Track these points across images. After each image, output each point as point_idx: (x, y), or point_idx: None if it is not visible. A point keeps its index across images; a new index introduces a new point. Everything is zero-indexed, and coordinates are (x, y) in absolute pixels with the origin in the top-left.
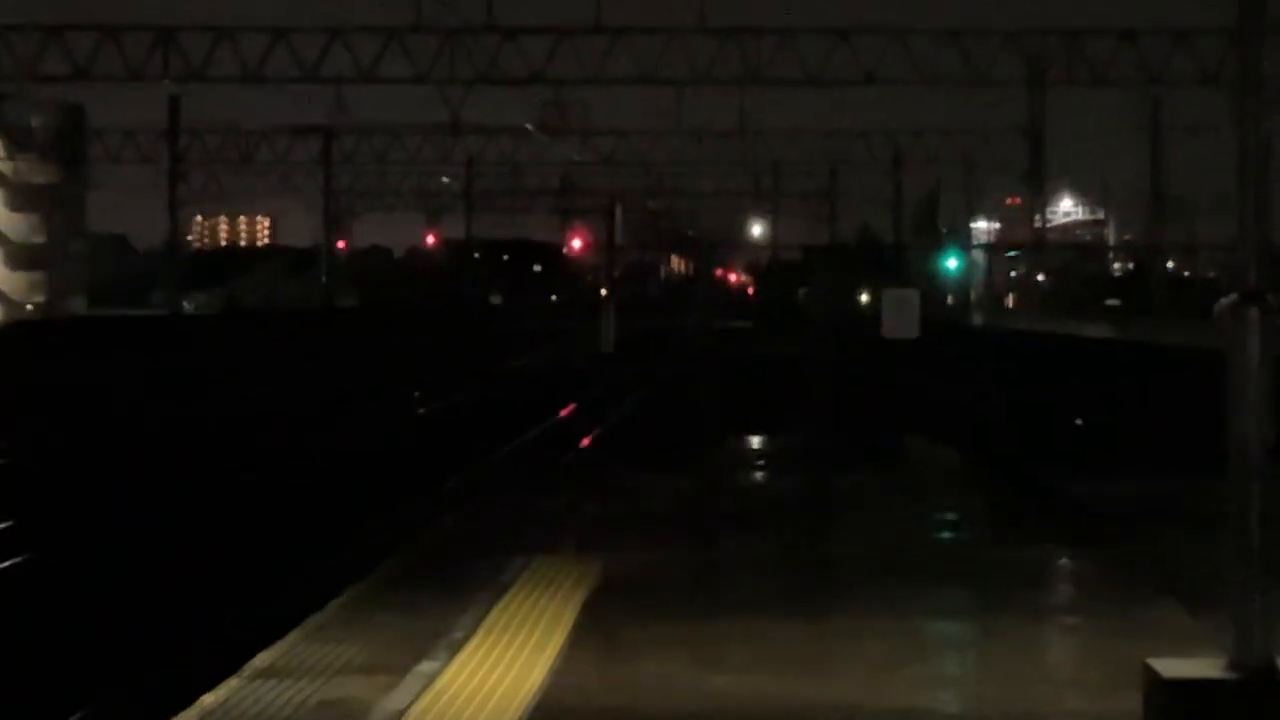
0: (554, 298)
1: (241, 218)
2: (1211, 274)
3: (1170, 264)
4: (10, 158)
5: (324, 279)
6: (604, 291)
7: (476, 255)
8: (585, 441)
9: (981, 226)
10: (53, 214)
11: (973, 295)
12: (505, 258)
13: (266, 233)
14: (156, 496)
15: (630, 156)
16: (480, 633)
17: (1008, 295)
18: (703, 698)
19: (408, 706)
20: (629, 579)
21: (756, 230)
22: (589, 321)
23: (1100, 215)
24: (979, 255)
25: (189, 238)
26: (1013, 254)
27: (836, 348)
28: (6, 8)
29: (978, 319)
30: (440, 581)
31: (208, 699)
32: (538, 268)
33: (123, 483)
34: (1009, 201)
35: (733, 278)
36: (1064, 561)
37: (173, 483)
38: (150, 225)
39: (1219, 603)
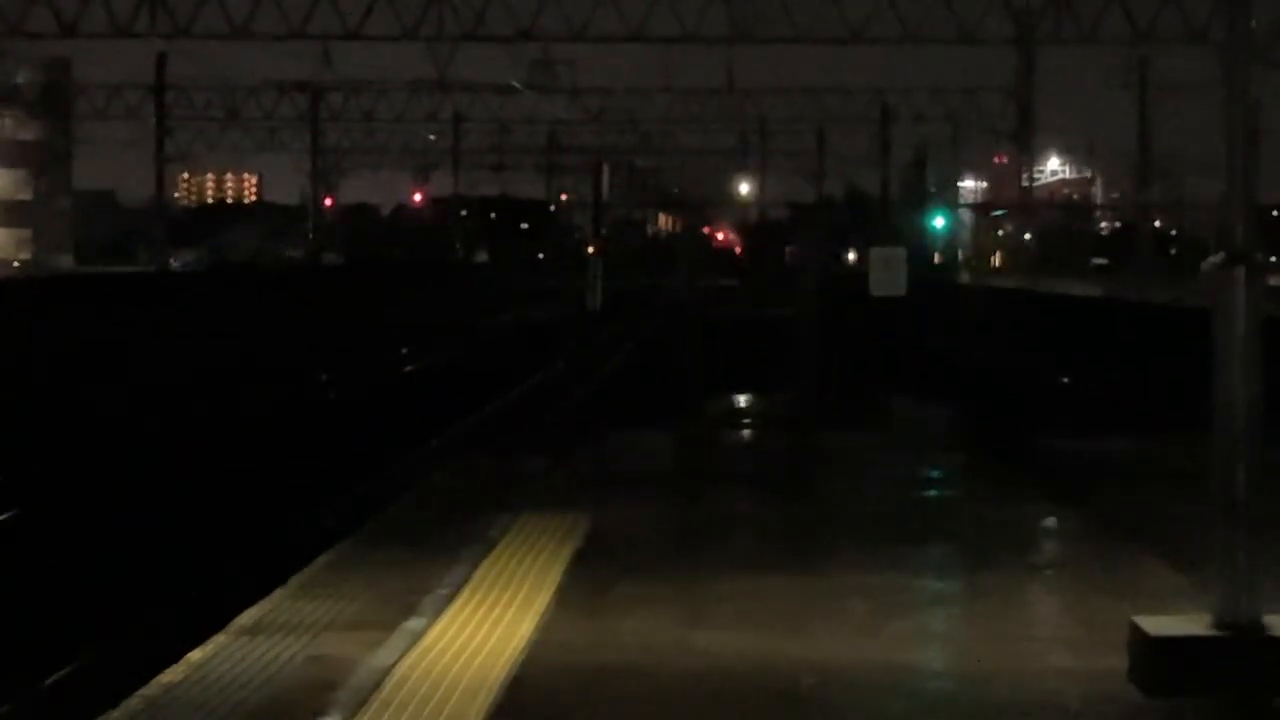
0: (541, 256)
1: (228, 175)
2: (1199, 233)
3: (1157, 223)
4: None
5: (310, 236)
6: (591, 250)
7: (463, 213)
8: (572, 399)
9: (969, 185)
10: (39, 171)
11: (960, 254)
12: (492, 215)
13: (253, 190)
14: (144, 458)
15: (618, 114)
16: (467, 590)
17: (995, 254)
18: (687, 654)
19: (394, 663)
20: (615, 536)
21: (744, 189)
22: (576, 279)
23: (1088, 174)
24: (966, 214)
25: (176, 194)
26: (999, 213)
27: (824, 306)
28: None
29: (965, 277)
30: (426, 538)
31: (195, 655)
32: (525, 225)
33: (112, 445)
34: (996, 160)
35: (720, 236)
36: (1049, 519)
37: (160, 442)
38: (137, 182)
39: (1205, 560)
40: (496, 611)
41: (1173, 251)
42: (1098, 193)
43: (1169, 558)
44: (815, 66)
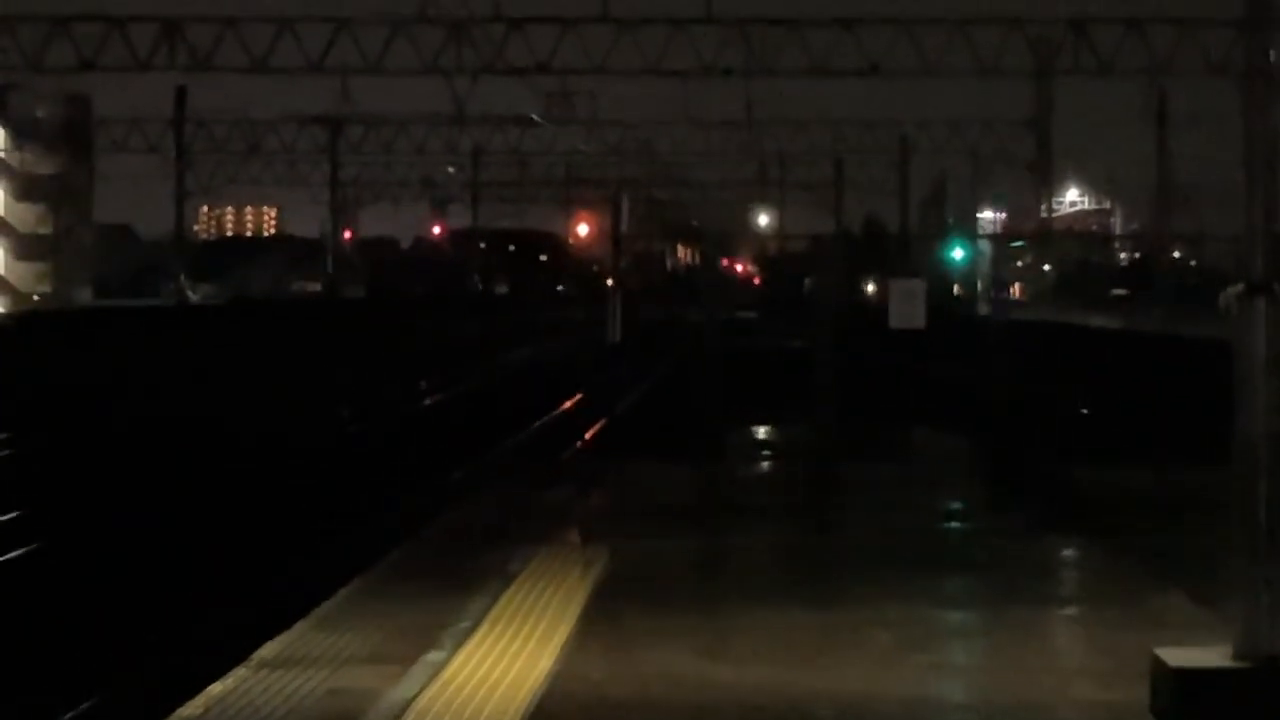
0: (560, 288)
1: (248, 208)
2: (1219, 264)
3: (1177, 254)
4: (16, 148)
5: (330, 269)
6: (610, 282)
7: (482, 245)
8: (592, 432)
9: (988, 217)
10: (59, 204)
11: (979, 285)
12: (511, 248)
13: (273, 223)
14: (165, 490)
15: (636, 147)
16: (487, 623)
17: (1014, 285)
18: (708, 688)
19: (415, 696)
20: (635, 569)
21: (763, 221)
22: (595, 312)
23: (1107, 205)
24: (985, 245)
25: (195, 228)
26: (1018, 244)
27: (843, 338)
28: None
29: (984, 309)
30: (447, 571)
31: (215, 688)
32: (544, 258)
33: (135, 476)
34: (1015, 191)
35: (739, 268)
36: (1070, 550)
37: (182, 474)
38: (156, 216)
39: (1227, 592)
40: (516, 644)
41: (1192, 283)
42: (1117, 224)
43: (1190, 589)
44: (834, 98)
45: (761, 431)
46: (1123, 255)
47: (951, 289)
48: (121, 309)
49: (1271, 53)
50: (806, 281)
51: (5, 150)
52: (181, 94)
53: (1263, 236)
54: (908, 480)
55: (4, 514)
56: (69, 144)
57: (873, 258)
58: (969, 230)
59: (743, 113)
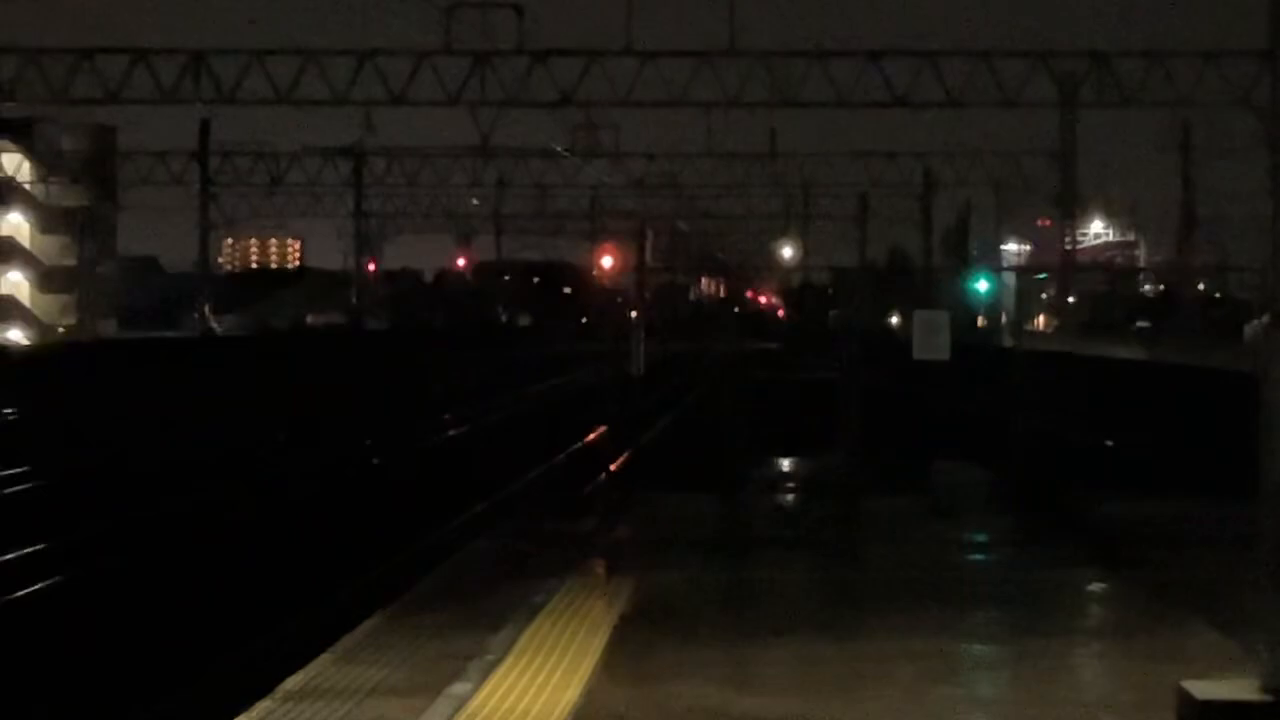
0: (584, 320)
1: (271, 240)
2: (1244, 296)
3: (1201, 286)
4: (41, 180)
5: (354, 301)
6: (634, 314)
7: (506, 277)
8: (617, 464)
9: (1012, 249)
10: (83, 236)
11: (1003, 317)
12: (535, 280)
13: (296, 255)
14: (188, 521)
15: (660, 179)
16: (513, 654)
17: (1038, 317)
18: (732, 719)
19: None
20: (661, 601)
21: (787, 252)
22: (619, 344)
23: (1131, 237)
24: (1009, 277)
25: (219, 260)
26: (1042, 276)
27: (867, 370)
28: (38, 31)
29: (1008, 341)
30: (472, 603)
31: None
32: (567, 290)
33: (155, 507)
34: (1040, 223)
35: (763, 300)
36: (1095, 583)
37: (202, 506)
38: (180, 247)
39: (1253, 625)
40: (542, 676)
41: (1217, 315)
42: (1141, 255)
43: (1216, 622)
44: (858, 130)
45: (786, 463)
46: (1146, 287)
47: (975, 321)
48: (144, 340)
49: None
50: (830, 313)
51: (30, 182)
52: (205, 126)
53: None
54: (931, 512)
55: (26, 547)
56: (94, 176)
57: (897, 289)
58: (993, 262)
59: (767, 145)
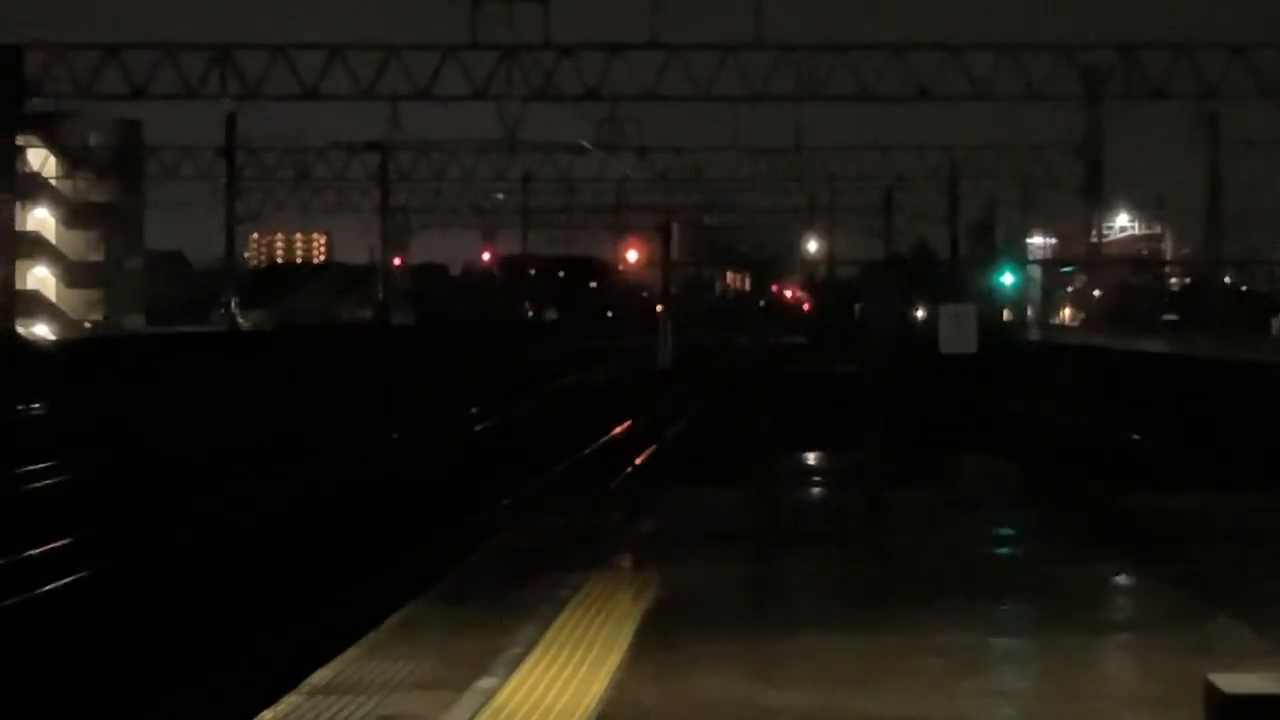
0: (610, 314)
1: (298, 235)
2: (1271, 288)
3: (1228, 279)
4: (68, 176)
5: (380, 296)
6: (660, 308)
7: (532, 271)
8: (642, 457)
9: (1038, 242)
10: (110, 232)
11: (1029, 311)
12: (561, 274)
13: (323, 250)
14: (217, 514)
15: (686, 172)
16: (539, 649)
17: (1064, 310)
18: (760, 713)
19: None
20: (686, 594)
21: (812, 246)
22: (645, 338)
23: (1157, 230)
24: (1035, 271)
25: (246, 255)
26: (1068, 269)
27: (892, 363)
28: (65, 27)
29: (1034, 334)
30: (499, 597)
31: (267, 715)
32: (593, 284)
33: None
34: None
35: (789, 293)
36: (1122, 577)
37: (232, 499)
38: (206, 242)
39: None
40: (568, 670)
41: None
42: (1167, 248)
43: (1245, 616)
44: (883, 123)
45: (811, 457)
46: (1173, 280)
47: (1001, 314)
48: (171, 335)
49: None
50: (856, 307)
51: (57, 177)
52: (232, 121)
53: None
54: (958, 505)
55: (56, 540)
56: (120, 171)
57: (922, 282)
58: (1019, 255)
59: (792, 138)
